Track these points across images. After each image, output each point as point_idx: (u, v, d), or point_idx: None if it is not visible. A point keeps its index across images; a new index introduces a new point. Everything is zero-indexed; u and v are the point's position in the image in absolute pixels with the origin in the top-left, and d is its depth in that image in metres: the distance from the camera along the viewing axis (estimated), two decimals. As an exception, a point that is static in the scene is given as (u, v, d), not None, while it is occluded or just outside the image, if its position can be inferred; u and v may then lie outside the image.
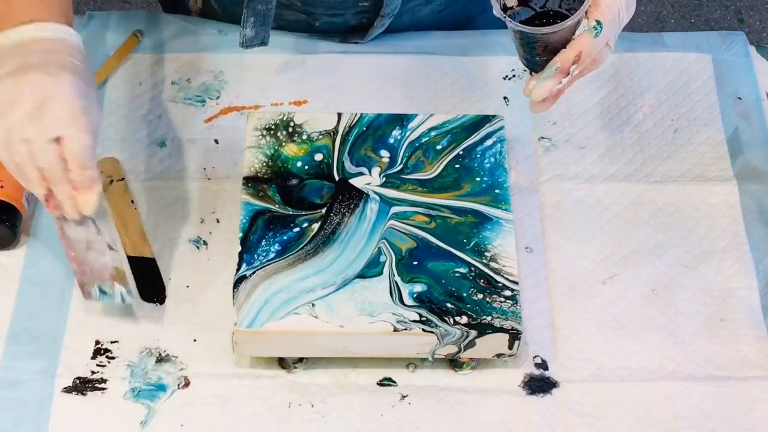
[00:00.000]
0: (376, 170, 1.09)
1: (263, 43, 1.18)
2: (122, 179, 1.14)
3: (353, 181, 1.08)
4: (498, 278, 1.01)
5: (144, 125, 1.19)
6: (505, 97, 1.22)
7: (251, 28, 1.16)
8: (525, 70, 1.23)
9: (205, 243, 1.10)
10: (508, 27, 0.97)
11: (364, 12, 1.22)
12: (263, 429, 1.00)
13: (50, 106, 0.93)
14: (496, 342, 1.00)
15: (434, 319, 0.99)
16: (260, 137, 1.10)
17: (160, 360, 1.03)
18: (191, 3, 1.29)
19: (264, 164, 1.09)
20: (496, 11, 0.96)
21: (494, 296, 1.00)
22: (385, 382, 1.03)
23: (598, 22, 0.97)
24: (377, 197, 1.07)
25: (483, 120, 1.12)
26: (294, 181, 1.08)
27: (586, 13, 0.97)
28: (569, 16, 0.96)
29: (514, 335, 0.99)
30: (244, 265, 1.02)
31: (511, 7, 0.99)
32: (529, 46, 0.98)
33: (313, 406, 1.01)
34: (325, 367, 1.03)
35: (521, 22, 0.96)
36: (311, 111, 1.19)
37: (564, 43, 0.97)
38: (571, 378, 1.03)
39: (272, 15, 1.16)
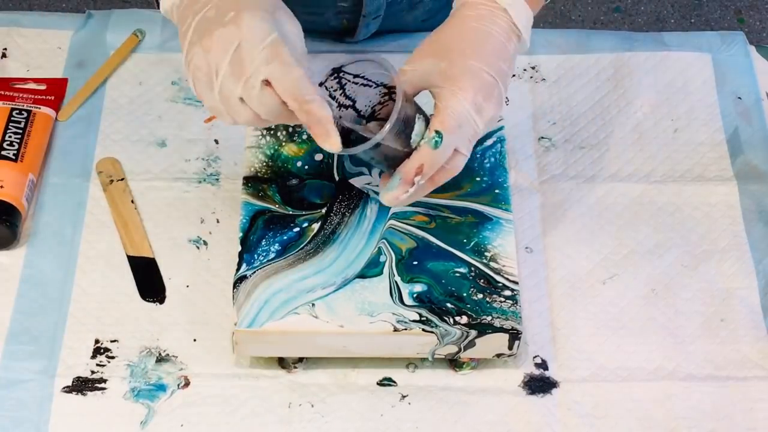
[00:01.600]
0: (375, 170, 1.09)
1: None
2: (122, 179, 1.14)
3: (353, 181, 1.08)
4: (498, 278, 1.01)
5: (144, 125, 1.19)
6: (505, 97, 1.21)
7: None
8: (525, 70, 1.24)
9: (205, 243, 1.10)
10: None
11: (344, 12, 1.21)
12: (263, 429, 1.00)
13: (243, 50, 0.88)
14: (496, 342, 1.00)
15: (434, 319, 0.99)
16: (260, 137, 1.10)
17: (160, 360, 1.03)
18: None
19: (264, 164, 1.09)
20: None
21: (494, 296, 1.00)
22: (385, 382, 1.03)
23: (438, 133, 0.91)
24: (377, 197, 1.06)
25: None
26: (294, 181, 1.08)
27: (427, 123, 0.92)
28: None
29: (514, 335, 0.99)
30: (244, 265, 1.02)
31: (340, 117, 0.94)
32: (374, 160, 0.94)
33: (313, 406, 1.01)
34: (325, 367, 1.03)
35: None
36: (311, 111, 1.19)
37: (402, 149, 0.92)
38: (571, 378, 1.03)
39: None
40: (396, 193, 0.94)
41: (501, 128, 1.11)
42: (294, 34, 0.93)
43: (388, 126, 0.90)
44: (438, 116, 0.92)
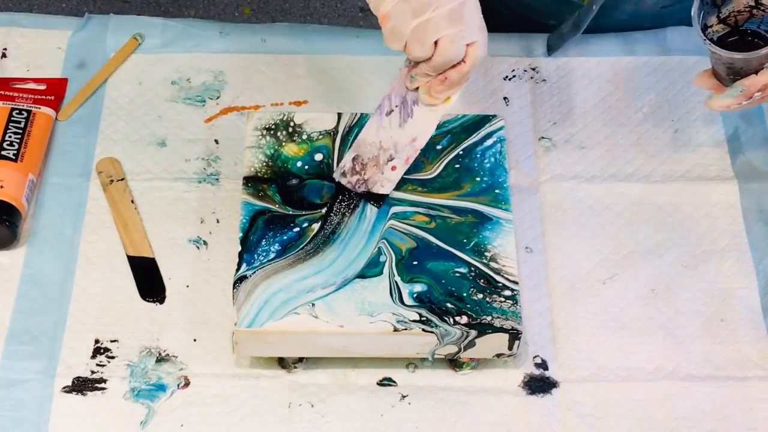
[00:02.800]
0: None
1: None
2: (122, 179, 1.14)
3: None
4: (498, 278, 1.01)
5: (144, 125, 1.19)
6: (505, 98, 1.21)
7: None
8: (525, 71, 1.24)
9: (205, 243, 1.10)
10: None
11: None
12: (263, 429, 1.00)
13: (465, 12, 0.96)
14: (496, 342, 1.00)
15: (434, 319, 0.99)
16: (260, 137, 1.10)
17: (160, 360, 1.03)
18: None
19: (264, 164, 1.09)
20: (696, 33, 0.99)
21: (494, 296, 1.00)
22: (385, 382, 1.03)
23: None
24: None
25: (483, 120, 1.12)
26: (294, 181, 1.08)
27: None
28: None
29: (514, 335, 0.99)
30: (244, 265, 1.02)
31: (711, 25, 1.02)
32: (720, 65, 1.00)
33: (313, 406, 1.01)
34: (325, 367, 1.03)
35: (717, 39, 1.00)
36: (311, 111, 1.19)
37: (754, 69, 0.99)
38: (571, 378, 1.03)
39: None
40: (730, 101, 1.01)
41: (501, 128, 1.11)
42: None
43: None
44: None
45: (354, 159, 1.06)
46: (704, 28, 1.01)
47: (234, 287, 1.00)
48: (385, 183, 1.06)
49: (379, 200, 1.06)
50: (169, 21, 1.26)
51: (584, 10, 1.20)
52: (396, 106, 1.04)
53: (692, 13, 1.00)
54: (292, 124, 1.11)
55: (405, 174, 1.08)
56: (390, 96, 1.05)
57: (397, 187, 1.07)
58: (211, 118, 1.19)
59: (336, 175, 1.06)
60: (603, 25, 1.24)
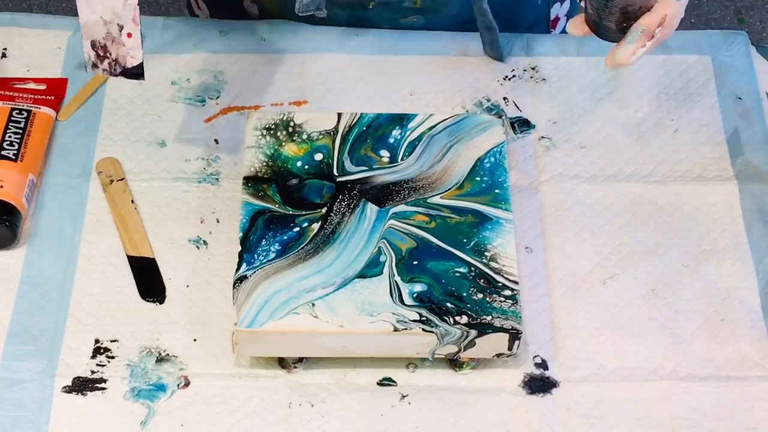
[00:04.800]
0: (376, 170, 1.09)
1: (319, 8, 1.15)
2: (122, 179, 1.14)
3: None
4: (498, 278, 1.01)
5: (144, 125, 1.19)
6: (505, 98, 1.22)
7: None
8: (525, 70, 1.24)
9: (205, 243, 1.10)
10: None
11: None
12: (263, 429, 1.00)
13: None
14: (496, 342, 1.00)
15: (434, 318, 0.99)
16: (260, 137, 1.10)
17: (160, 360, 1.03)
18: (246, 3, 1.27)
19: (264, 164, 1.09)
20: None
21: (494, 296, 1.00)
22: (385, 382, 1.03)
23: None
24: None
25: (483, 120, 1.12)
26: (294, 181, 1.08)
27: None
28: None
29: (514, 335, 0.99)
30: (244, 265, 1.02)
31: None
32: (608, 11, 0.98)
33: (313, 406, 1.01)
34: (325, 367, 1.03)
35: None
36: (311, 111, 1.19)
37: (641, 12, 0.97)
38: (571, 378, 1.03)
39: None
40: (634, 47, 0.99)
41: (501, 128, 1.11)
42: None
43: None
44: None
45: (92, 46, 1.04)
46: None
47: (234, 287, 1.00)
48: (132, 53, 1.03)
49: (380, 200, 1.06)
50: (169, 20, 1.26)
51: (477, 11, 1.20)
52: None
53: None
54: (292, 124, 1.11)
55: (405, 174, 1.08)
56: None
57: (398, 187, 1.07)
58: (211, 118, 1.19)
59: (88, 69, 1.04)
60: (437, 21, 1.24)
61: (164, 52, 1.24)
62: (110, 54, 1.03)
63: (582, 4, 1.00)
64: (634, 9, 0.98)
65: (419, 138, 1.11)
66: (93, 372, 1.02)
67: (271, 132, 1.11)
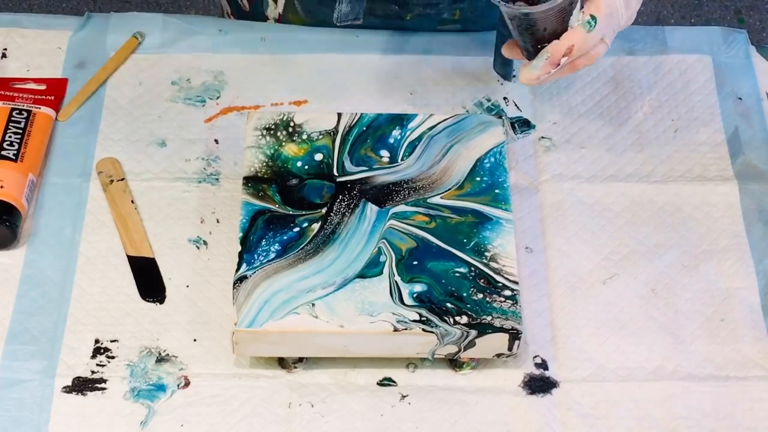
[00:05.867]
0: (376, 170, 1.09)
1: (357, 18, 1.15)
2: (122, 179, 1.14)
3: None
4: (498, 278, 1.01)
5: (144, 125, 1.19)
6: (505, 98, 1.22)
7: (347, 3, 1.13)
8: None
9: (205, 243, 1.10)
10: (501, 11, 0.96)
11: (459, 1, 1.21)
12: (263, 429, 1.00)
13: None
14: (496, 342, 1.00)
15: (434, 319, 0.99)
16: (260, 137, 1.10)
17: (160, 360, 1.03)
18: (269, 10, 1.27)
19: (264, 164, 1.09)
20: None
21: (494, 296, 1.00)
22: (385, 382, 1.03)
23: (593, 17, 0.96)
24: None
25: (483, 120, 1.12)
26: (294, 181, 1.08)
27: (582, 6, 0.96)
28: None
29: (514, 335, 0.99)
30: (244, 265, 1.02)
31: None
32: (520, 30, 0.97)
33: (313, 406, 1.01)
34: (325, 367, 1.03)
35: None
36: (311, 111, 1.19)
37: (556, 35, 0.96)
38: (571, 378, 1.03)
39: None
40: (539, 72, 0.98)
41: (501, 128, 1.11)
42: None
43: None
44: (593, 2, 0.96)
45: None
46: None
47: (234, 287, 1.00)
48: None
49: (380, 200, 1.06)
50: (169, 18, 1.26)
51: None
52: None
53: None
54: (292, 124, 1.11)
55: (405, 175, 1.08)
56: None
57: (398, 187, 1.07)
58: (211, 118, 1.19)
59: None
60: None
61: (164, 53, 1.24)
62: None
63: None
64: (542, 34, 0.97)
65: (419, 138, 1.11)
66: (93, 372, 1.02)
67: (271, 132, 1.11)
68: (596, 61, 1.00)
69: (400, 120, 1.12)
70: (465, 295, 1.00)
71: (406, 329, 0.98)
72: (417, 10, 1.21)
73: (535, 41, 0.98)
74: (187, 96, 1.21)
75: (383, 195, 1.07)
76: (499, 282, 1.01)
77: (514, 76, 1.20)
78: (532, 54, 1.00)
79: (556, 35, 0.97)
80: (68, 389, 1.01)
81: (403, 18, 1.23)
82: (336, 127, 1.11)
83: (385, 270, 1.02)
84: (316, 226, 1.05)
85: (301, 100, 1.21)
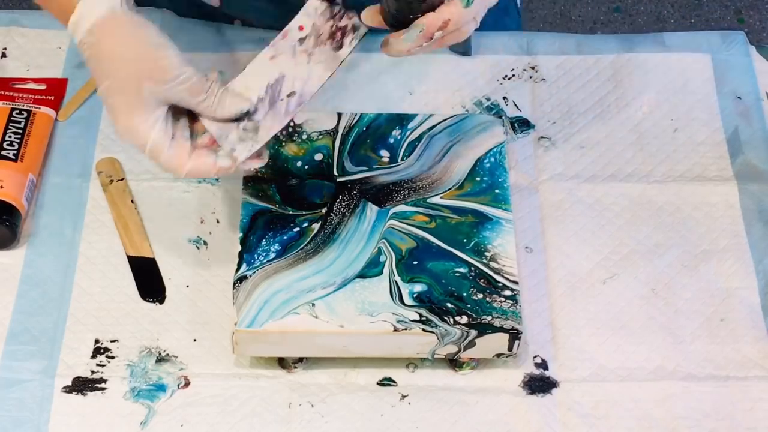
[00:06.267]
0: (376, 170, 1.09)
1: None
2: (122, 179, 1.14)
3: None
4: (498, 278, 1.01)
5: (144, 125, 1.18)
6: (504, 97, 1.22)
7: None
8: (525, 70, 1.24)
9: (205, 243, 1.10)
10: None
11: None
12: (263, 429, 1.00)
13: None
14: (496, 342, 1.00)
15: (434, 318, 0.99)
16: (260, 137, 1.10)
17: (160, 360, 1.03)
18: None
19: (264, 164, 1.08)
20: None
21: (494, 296, 1.00)
22: (385, 382, 1.03)
23: None
24: None
25: (483, 119, 1.12)
26: (294, 181, 1.08)
27: None
28: None
29: (514, 335, 0.99)
30: (244, 265, 1.02)
31: None
32: (397, 3, 0.95)
33: (313, 406, 1.01)
34: (325, 367, 1.03)
35: None
36: (311, 111, 1.19)
37: (432, 7, 0.94)
38: (571, 378, 1.03)
39: None
40: (410, 45, 0.94)
41: (501, 128, 1.11)
42: None
43: None
44: None
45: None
46: None
47: (234, 287, 1.00)
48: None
49: (380, 200, 1.06)
50: (170, 15, 1.26)
51: None
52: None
53: None
54: (292, 124, 1.11)
55: (405, 175, 1.08)
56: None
57: (398, 187, 1.07)
58: (211, 118, 1.19)
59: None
60: None
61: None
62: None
63: None
64: (418, 6, 0.94)
65: (419, 138, 1.11)
66: (93, 372, 1.02)
67: (271, 132, 1.11)
68: (464, 38, 0.97)
69: (400, 120, 1.12)
70: (465, 295, 1.00)
71: (406, 329, 0.98)
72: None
73: (409, 12, 0.95)
74: (187, 96, 1.20)
75: (383, 195, 1.07)
76: (499, 282, 1.01)
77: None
78: (398, 25, 0.96)
79: (432, 8, 0.94)
80: (68, 389, 1.01)
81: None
82: (336, 127, 1.11)
83: (385, 270, 1.02)
84: (316, 226, 1.05)
85: (301, 99, 1.21)
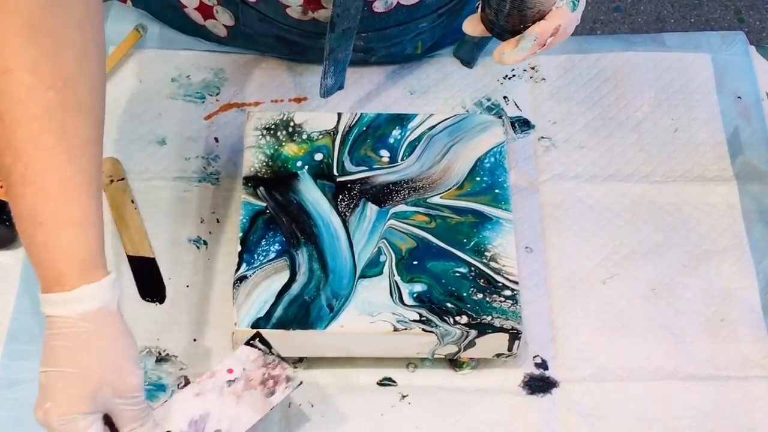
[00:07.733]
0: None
1: (341, 87, 1.16)
2: (122, 179, 1.14)
3: None
4: (498, 278, 1.01)
5: (144, 123, 1.18)
6: (505, 97, 1.22)
7: (331, 77, 1.14)
8: (525, 70, 1.24)
9: (205, 243, 1.10)
10: None
11: (421, 34, 1.21)
12: (263, 429, 0.99)
13: None
14: (496, 342, 1.00)
15: (434, 318, 0.99)
16: (260, 137, 1.10)
17: (160, 360, 1.03)
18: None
19: (264, 164, 1.09)
20: None
21: (494, 296, 1.00)
22: (385, 382, 1.03)
23: None
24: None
25: (483, 119, 1.12)
26: (294, 181, 1.08)
27: None
28: None
29: (514, 335, 0.99)
30: (244, 264, 1.02)
31: None
32: (506, 13, 0.94)
33: (313, 406, 1.01)
34: (325, 367, 1.03)
35: None
36: (311, 110, 1.19)
37: (542, 15, 0.94)
38: (571, 378, 1.03)
39: (349, 59, 1.14)
40: (526, 54, 0.95)
41: (501, 128, 1.11)
42: None
43: None
44: None
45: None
46: None
47: (234, 287, 1.00)
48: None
49: (380, 200, 1.06)
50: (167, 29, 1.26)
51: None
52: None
53: None
54: (292, 123, 1.11)
55: (405, 174, 1.08)
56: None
57: (398, 187, 1.07)
58: (211, 115, 1.19)
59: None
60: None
61: (164, 49, 1.24)
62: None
63: (479, 3, 0.98)
64: (532, 14, 0.94)
65: (419, 138, 1.11)
66: (93, 372, 1.02)
67: (271, 132, 1.11)
68: (567, 37, 0.98)
69: (400, 120, 1.12)
70: (465, 295, 1.00)
71: (406, 329, 0.98)
72: (382, 51, 1.21)
73: (520, 20, 0.95)
74: (187, 93, 1.21)
75: (383, 195, 1.07)
76: (499, 282, 1.01)
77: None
78: (505, 33, 0.96)
79: (542, 15, 0.95)
80: (68, 389, 1.01)
81: (369, 61, 1.22)
82: (336, 127, 1.11)
83: (385, 270, 1.02)
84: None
85: (301, 97, 1.21)
